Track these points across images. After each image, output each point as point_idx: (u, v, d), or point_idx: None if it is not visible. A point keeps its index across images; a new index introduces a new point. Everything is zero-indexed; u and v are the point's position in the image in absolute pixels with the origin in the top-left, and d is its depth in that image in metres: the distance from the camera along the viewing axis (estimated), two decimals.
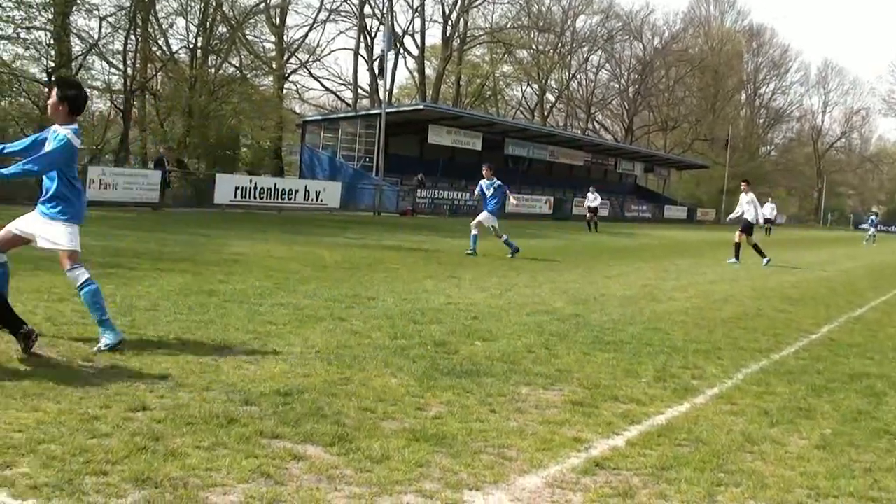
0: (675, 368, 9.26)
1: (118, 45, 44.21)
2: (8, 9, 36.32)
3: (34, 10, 37.52)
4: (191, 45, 48.76)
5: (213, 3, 47.65)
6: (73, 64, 40.47)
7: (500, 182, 24.08)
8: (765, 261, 26.01)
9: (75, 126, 8.41)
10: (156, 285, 12.57)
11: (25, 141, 8.61)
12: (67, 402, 6.33)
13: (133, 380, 7.10)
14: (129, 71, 44.60)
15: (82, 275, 8.45)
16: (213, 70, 49.73)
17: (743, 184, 28.23)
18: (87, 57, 42.07)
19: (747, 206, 26.98)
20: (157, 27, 48.03)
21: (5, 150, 8.48)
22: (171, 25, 50.72)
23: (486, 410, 6.97)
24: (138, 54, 45.17)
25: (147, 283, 12.68)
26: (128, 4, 42.90)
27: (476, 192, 24.90)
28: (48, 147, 8.07)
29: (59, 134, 8.09)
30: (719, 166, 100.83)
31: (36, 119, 40.04)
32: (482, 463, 5.73)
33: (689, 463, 6.00)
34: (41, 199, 8.35)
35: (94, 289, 8.41)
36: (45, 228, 8.31)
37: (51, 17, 38.35)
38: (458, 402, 7.15)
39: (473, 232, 23.02)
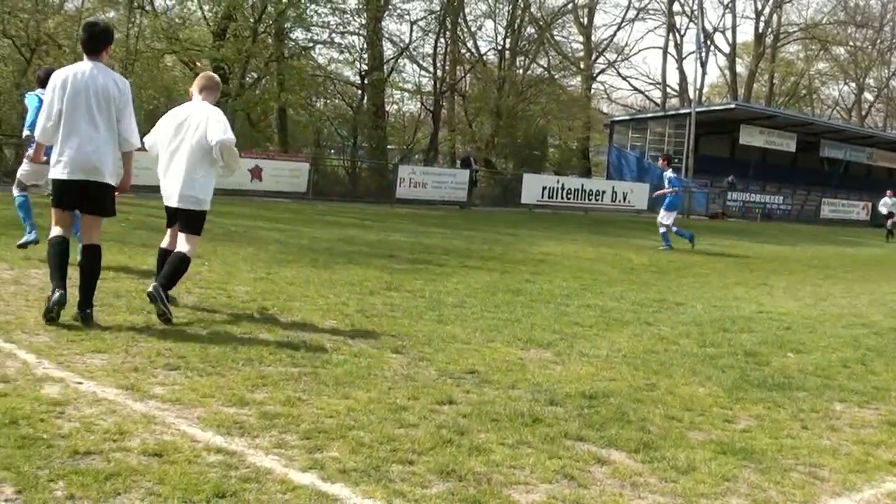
0: None
1: (428, 48, 45.27)
2: (323, 15, 37.82)
3: (348, 16, 38.90)
4: (499, 47, 49.37)
5: (521, 5, 48.06)
6: (385, 67, 41.70)
7: (672, 175, 23.91)
8: None
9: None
10: (463, 282, 12.80)
11: None
12: (377, 392, 6.53)
13: (440, 374, 7.25)
14: (439, 73, 45.56)
15: None
16: (520, 71, 50.17)
17: None
18: (399, 60, 43.29)
19: None
20: (465, 30, 48.90)
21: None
22: (479, 28, 51.57)
23: (797, 426, 6.71)
24: (447, 56, 46.07)
25: (455, 280, 12.93)
26: (438, 8, 43.85)
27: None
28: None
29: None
30: None
31: (350, 120, 41.59)
32: (792, 481, 5.51)
33: None
34: None
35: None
36: None
37: (364, 22, 39.66)
38: (768, 415, 6.91)
39: (673, 229, 23.01)
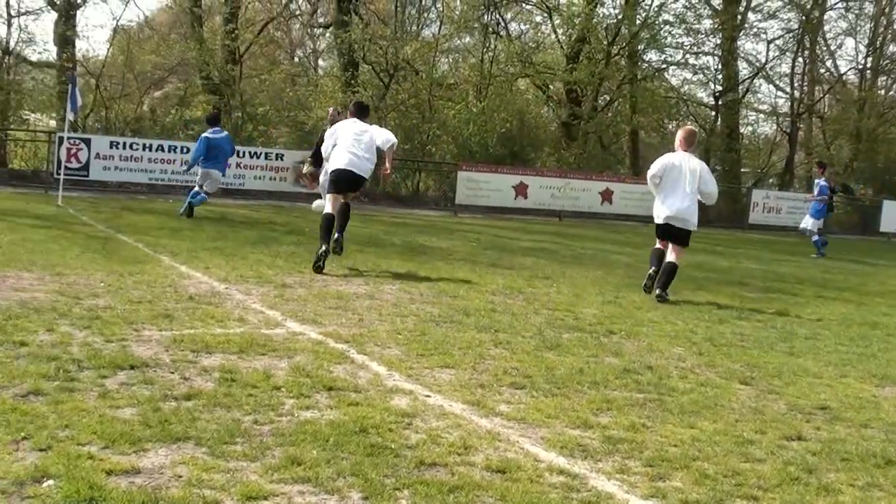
0: None
1: (785, 68, 44.18)
2: (677, 36, 37.60)
3: (702, 36, 38.52)
4: (860, 66, 47.58)
5: (885, 22, 46.13)
6: (740, 87, 40.96)
7: (823, 183, 24.22)
8: None
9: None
10: (817, 313, 12.39)
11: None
12: (723, 423, 6.41)
13: (790, 408, 7.04)
14: (796, 93, 44.37)
15: None
16: (882, 91, 48.17)
17: None
18: (754, 80, 42.43)
19: None
20: (824, 48, 47.34)
21: None
22: (839, 46, 49.88)
23: None
24: (805, 76, 44.82)
25: (809, 311, 12.54)
26: (796, 27, 42.72)
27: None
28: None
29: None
30: None
31: (703, 142, 41.01)
32: None
33: None
34: None
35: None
36: None
37: (718, 42, 39.14)
38: None
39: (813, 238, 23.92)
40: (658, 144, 40.55)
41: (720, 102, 40.18)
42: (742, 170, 43.83)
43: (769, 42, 42.03)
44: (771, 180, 45.87)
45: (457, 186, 28.69)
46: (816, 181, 24.67)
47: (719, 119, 40.91)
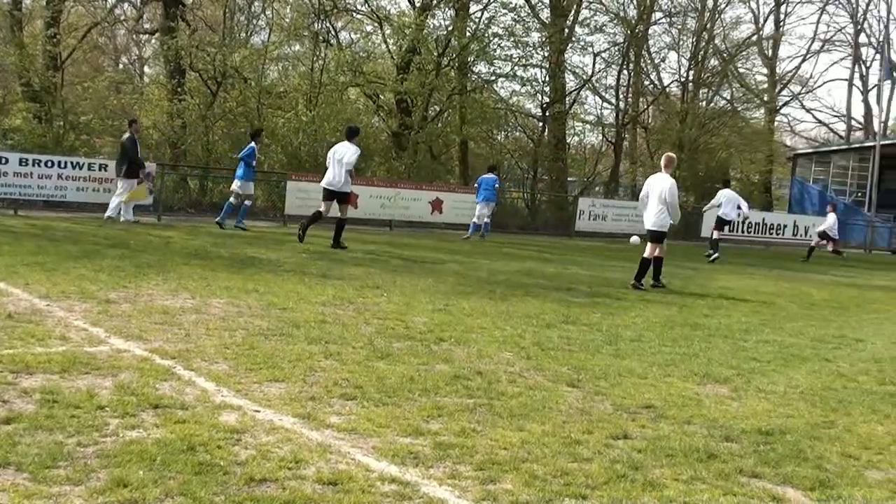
0: None
1: (611, 80, 45.13)
2: (506, 48, 38.03)
3: (531, 49, 38.96)
4: (682, 79, 48.92)
5: (706, 37, 47.61)
6: (567, 99, 41.68)
7: None
8: None
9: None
10: (641, 316, 12.72)
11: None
12: (551, 425, 6.54)
13: (616, 408, 7.23)
14: (621, 105, 45.40)
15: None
16: (703, 103, 49.63)
17: None
18: (581, 92, 43.24)
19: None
20: (649, 61, 48.56)
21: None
22: (663, 60, 51.20)
23: None
24: (630, 88, 45.90)
25: (633, 314, 12.85)
26: (621, 40, 43.76)
27: None
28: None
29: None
30: None
31: (530, 152, 41.66)
32: None
33: None
34: None
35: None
36: None
37: (546, 54, 39.73)
38: None
39: None
40: (487, 154, 41.00)
41: (548, 113, 40.81)
42: (569, 179, 44.61)
43: (595, 55, 42.92)
44: (597, 188, 46.77)
45: (286, 196, 28.42)
46: None
47: (547, 130, 41.57)
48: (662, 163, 17.67)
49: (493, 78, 39.71)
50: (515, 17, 38.35)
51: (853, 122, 75.49)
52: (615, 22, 43.14)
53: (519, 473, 5.41)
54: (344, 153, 19.16)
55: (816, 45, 69.63)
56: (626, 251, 26.46)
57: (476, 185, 29.36)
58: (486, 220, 28.56)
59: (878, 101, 57.55)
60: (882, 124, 56.88)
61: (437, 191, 31.40)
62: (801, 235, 42.41)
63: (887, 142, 52.48)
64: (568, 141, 43.40)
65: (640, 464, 5.79)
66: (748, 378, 8.90)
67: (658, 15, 46.37)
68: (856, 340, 12.19)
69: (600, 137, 48.48)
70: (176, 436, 5.59)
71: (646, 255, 16.78)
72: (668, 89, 50.18)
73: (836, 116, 78.76)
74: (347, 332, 9.51)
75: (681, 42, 48.56)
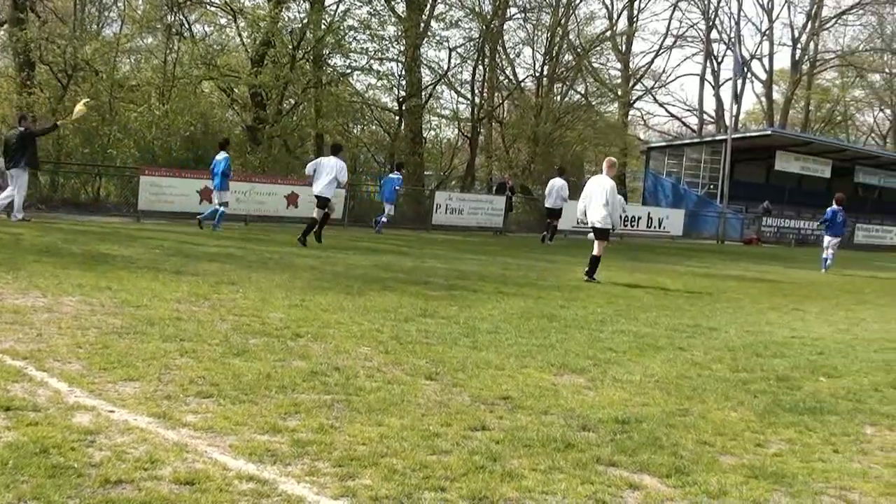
0: None
1: (466, 75, 45.30)
2: (362, 41, 37.99)
3: (387, 43, 38.97)
4: (537, 74, 49.46)
5: (560, 32, 48.16)
6: (423, 93, 41.74)
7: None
8: None
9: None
10: (498, 308, 12.80)
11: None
12: (410, 419, 6.53)
13: (474, 400, 7.25)
14: (477, 99, 45.60)
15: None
16: (558, 97, 50.20)
17: None
18: (437, 86, 43.35)
19: None
20: (504, 57, 48.96)
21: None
22: (518, 55, 51.69)
23: (828, 450, 6.68)
24: (486, 83, 46.12)
25: (490, 306, 12.93)
26: (477, 35, 43.96)
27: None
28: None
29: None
30: None
31: (387, 146, 41.67)
32: None
33: None
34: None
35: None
36: None
37: (402, 48, 39.73)
38: (799, 440, 6.89)
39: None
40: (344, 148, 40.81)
41: (404, 108, 40.86)
42: (426, 173, 44.73)
43: (451, 50, 43.03)
44: (453, 182, 46.99)
45: (139, 192, 27.82)
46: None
47: (403, 124, 41.60)
48: (604, 165, 19.08)
49: (348, 71, 39.65)
50: (371, 10, 38.34)
51: (705, 117, 77.48)
52: (471, 17, 43.35)
53: (378, 468, 5.39)
54: (334, 168, 21.97)
55: (669, 41, 71.25)
56: (482, 244, 26.69)
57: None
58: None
59: (731, 96, 59.00)
60: (733, 118, 58.37)
61: (293, 185, 31.10)
62: (654, 227, 43.30)
63: (738, 135, 53.98)
64: (424, 135, 43.53)
65: (498, 455, 5.82)
66: (604, 368, 9.03)
67: (513, 10, 46.82)
68: (710, 329, 12.47)
69: (456, 132, 48.77)
70: (28, 438, 5.43)
71: (595, 252, 18.26)
72: (523, 84, 50.79)
73: (688, 111, 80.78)
74: (203, 329, 9.36)
75: (536, 37, 49.18)
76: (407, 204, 38.79)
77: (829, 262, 27.54)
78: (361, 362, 8.35)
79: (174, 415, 6.20)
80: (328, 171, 21.93)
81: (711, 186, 54.83)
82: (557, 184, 31.49)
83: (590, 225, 18.71)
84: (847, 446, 6.83)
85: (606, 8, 61.08)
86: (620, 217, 24.75)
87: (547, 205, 31.90)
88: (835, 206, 27.74)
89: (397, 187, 31.81)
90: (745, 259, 31.41)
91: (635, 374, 8.84)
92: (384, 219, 30.73)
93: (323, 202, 22.29)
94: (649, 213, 44.74)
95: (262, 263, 16.42)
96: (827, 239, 27.98)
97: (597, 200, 18.16)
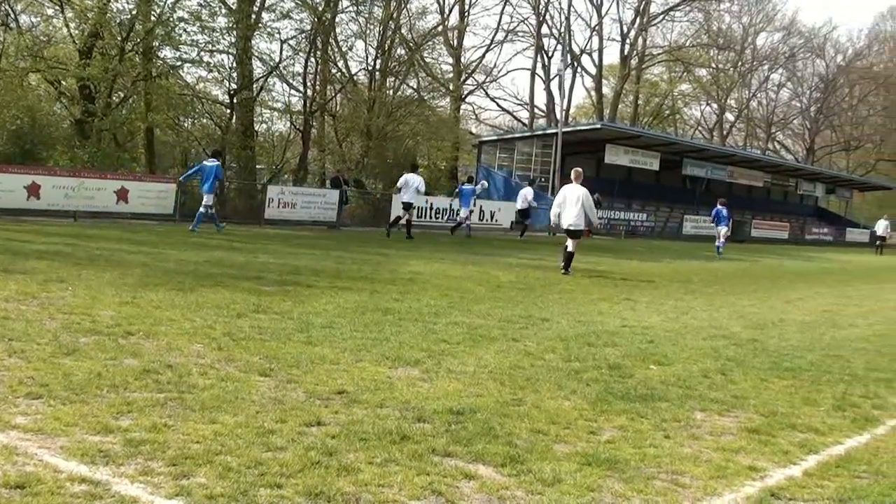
0: (856, 397, 9.02)
1: (298, 68, 44.94)
2: (192, 33, 37.39)
3: (217, 35, 38.40)
4: (370, 68, 49.47)
5: (392, 26, 48.28)
6: (255, 86, 41.33)
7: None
8: None
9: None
10: (332, 303, 12.79)
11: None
12: (244, 416, 6.51)
13: (309, 395, 7.26)
14: (309, 93, 45.35)
15: None
16: (391, 92, 50.27)
17: None
18: (268, 79, 42.96)
19: None
20: (336, 50, 48.73)
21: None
22: (350, 48, 51.44)
23: (659, 436, 6.91)
24: (318, 76, 45.88)
25: (324, 301, 12.91)
26: (308, 28, 43.70)
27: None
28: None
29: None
30: None
31: (218, 140, 41.16)
32: (655, 489, 5.69)
33: (869, 495, 5.84)
34: None
35: None
36: None
37: (233, 40, 39.23)
38: (631, 426, 7.10)
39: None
40: (174, 142, 40.23)
41: (235, 100, 40.37)
42: (258, 166, 44.32)
43: (283, 42, 42.64)
44: (286, 176, 46.70)
45: None
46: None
47: (235, 117, 41.13)
48: (573, 176, 22.09)
49: (179, 63, 38.95)
50: (201, 1, 37.77)
51: (536, 111, 78.41)
52: (301, 8, 43.01)
53: (213, 466, 5.37)
54: (416, 180, 31.31)
55: (501, 36, 71.87)
56: (316, 239, 26.61)
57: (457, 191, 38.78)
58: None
59: (560, 90, 59.96)
60: (563, 112, 59.33)
61: (123, 179, 30.46)
62: (486, 221, 43.71)
63: (569, 129, 54.86)
64: (256, 128, 43.12)
65: (334, 449, 5.85)
66: (439, 360, 9.13)
67: (345, 3, 46.58)
68: (542, 320, 12.70)
69: (289, 125, 48.46)
70: None
71: (569, 248, 21.48)
72: (355, 78, 50.63)
73: (519, 105, 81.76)
74: (31, 328, 9.14)
75: (368, 31, 49.06)
76: (238, 198, 38.38)
77: (720, 248, 36.95)
78: (194, 359, 8.27)
79: (3, 417, 6.06)
80: (412, 183, 30.80)
81: (543, 179, 55.63)
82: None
83: (564, 227, 21.56)
84: (678, 432, 7.07)
85: (438, 3, 61.57)
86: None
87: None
88: (718, 206, 37.90)
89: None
90: (577, 251, 31.99)
91: (469, 365, 8.97)
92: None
93: (408, 206, 31.34)
94: (481, 207, 45.10)
95: (92, 260, 16.07)
96: (717, 230, 37.75)
97: (571, 206, 21.20)
